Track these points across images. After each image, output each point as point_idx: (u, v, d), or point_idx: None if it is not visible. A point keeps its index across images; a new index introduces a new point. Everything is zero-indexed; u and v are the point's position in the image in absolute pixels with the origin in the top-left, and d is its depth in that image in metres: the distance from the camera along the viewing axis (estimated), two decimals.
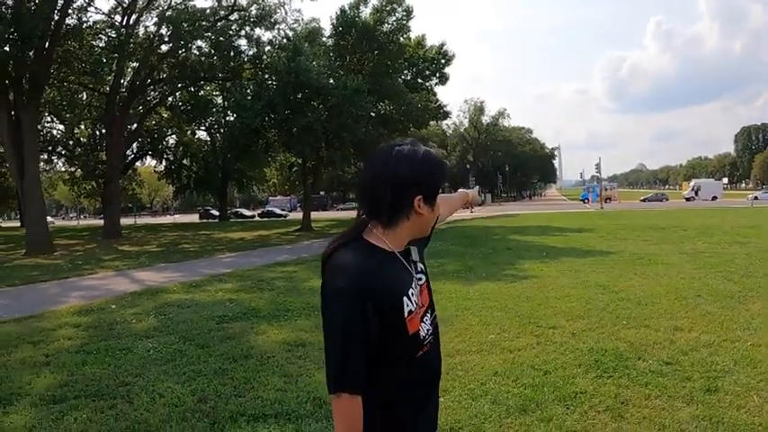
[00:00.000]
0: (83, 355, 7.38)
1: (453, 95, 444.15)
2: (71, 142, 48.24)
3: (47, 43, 27.41)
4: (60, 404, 5.63)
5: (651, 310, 8.85)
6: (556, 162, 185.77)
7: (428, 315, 2.05)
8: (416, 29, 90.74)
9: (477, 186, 4.29)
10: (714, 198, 78.60)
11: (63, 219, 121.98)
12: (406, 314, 1.88)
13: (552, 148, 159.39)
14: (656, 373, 5.88)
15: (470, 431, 4.76)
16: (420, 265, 2.08)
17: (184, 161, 59.26)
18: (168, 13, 35.90)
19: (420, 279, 2.04)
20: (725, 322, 7.88)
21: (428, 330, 2.01)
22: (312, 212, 40.60)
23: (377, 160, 1.93)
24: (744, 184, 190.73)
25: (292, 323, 8.68)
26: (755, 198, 69.17)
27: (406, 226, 1.92)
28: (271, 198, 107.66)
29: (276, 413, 5.12)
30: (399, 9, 36.07)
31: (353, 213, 59.96)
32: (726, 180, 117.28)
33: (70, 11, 30.44)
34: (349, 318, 1.78)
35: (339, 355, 1.79)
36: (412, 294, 1.92)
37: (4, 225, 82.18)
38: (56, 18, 27.96)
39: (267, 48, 37.74)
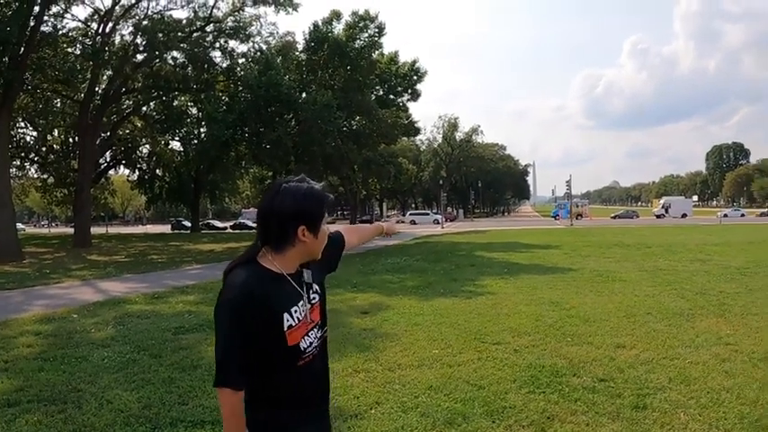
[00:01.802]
0: (40, 362, 7.54)
1: (428, 110, 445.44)
2: (44, 149, 47.95)
3: (22, 49, 27.42)
4: (14, 408, 5.83)
5: (597, 327, 8.96)
6: (529, 179, 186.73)
7: (315, 330, 2.30)
8: (393, 41, 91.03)
9: (394, 218, 4.60)
10: (684, 215, 79.66)
11: (35, 226, 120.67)
12: (285, 328, 2.14)
13: (526, 165, 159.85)
14: (588, 389, 5.98)
15: None
16: (315, 286, 2.34)
17: (157, 171, 59.05)
18: (144, 23, 35.89)
19: (314, 299, 2.32)
20: (668, 340, 7.98)
21: (310, 344, 2.26)
22: None
23: (268, 194, 2.21)
24: (715, 202, 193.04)
25: None
26: (725, 215, 70.46)
27: (293, 251, 2.19)
28: (244, 210, 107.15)
29: (214, 420, 5.28)
30: (372, 26, 36.38)
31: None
32: (696, 198, 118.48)
33: (46, 17, 30.50)
34: (231, 326, 2.07)
35: (221, 357, 2.08)
36: (295, 311, 2.19)
37: None
38: (31, 24, 27.95)
39: (241, 60, 37.90)
